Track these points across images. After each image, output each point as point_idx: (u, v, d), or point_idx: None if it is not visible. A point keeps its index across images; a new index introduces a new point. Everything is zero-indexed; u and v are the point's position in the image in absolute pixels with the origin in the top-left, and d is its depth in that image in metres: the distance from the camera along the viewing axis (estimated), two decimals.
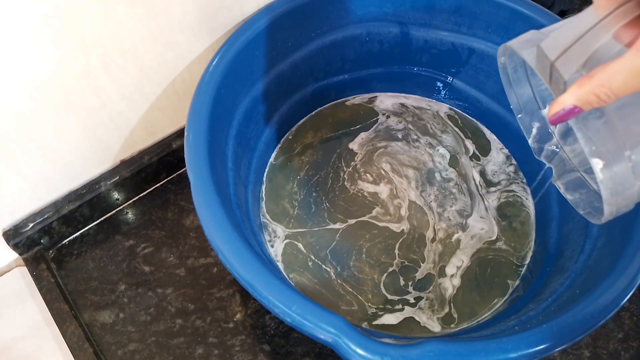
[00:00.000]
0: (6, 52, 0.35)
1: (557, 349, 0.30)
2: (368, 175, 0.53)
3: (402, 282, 0.46)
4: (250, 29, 0.44)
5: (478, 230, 0.49)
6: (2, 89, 0.37)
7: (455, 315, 0.44)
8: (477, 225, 0.49)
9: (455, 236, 0.49)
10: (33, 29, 0.35)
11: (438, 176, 0.53)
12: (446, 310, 0.45)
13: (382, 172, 0.53)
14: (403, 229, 0.49)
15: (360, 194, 0.51)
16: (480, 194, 0.51)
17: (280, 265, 0.47)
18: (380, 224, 0.49)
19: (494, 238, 0.49)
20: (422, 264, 0.47)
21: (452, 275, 0.46)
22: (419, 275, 0.46)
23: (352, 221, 0.49)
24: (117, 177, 0.49)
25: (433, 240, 0.48)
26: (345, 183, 0.52)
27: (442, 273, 0.46)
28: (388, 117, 0.57)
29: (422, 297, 0.45)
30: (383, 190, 0.51)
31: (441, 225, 0.49)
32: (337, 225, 0.49)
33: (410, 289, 0.45)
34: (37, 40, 0.36)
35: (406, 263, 0.47)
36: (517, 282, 0.46)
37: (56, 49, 0.37)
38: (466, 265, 0.47)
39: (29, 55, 0.36)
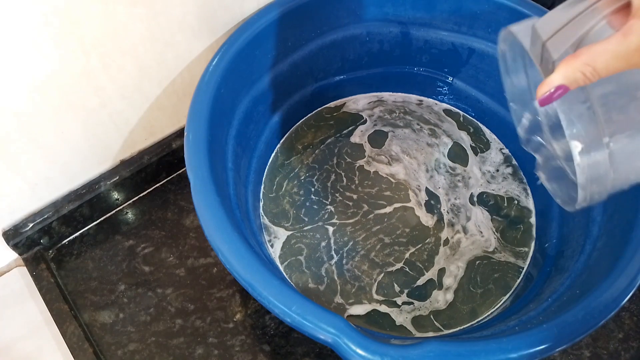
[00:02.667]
0: (6, 52, 0.35)
1: (557, 349, 0.30)
2: (382, 157, 0.54)
3: (397, 289, 0.46)
4: (250, 28, 0.44)
5: (480, 230, 0.49)
6: (2, 89, 0.36)
7: (441, 323, 0.44)
8: (479, 226, 0.49)
9: (457, 237, 0.49)
10: (33, 29, 0.35)
11: (444, 167, 0.53)
12: (430, 317, 0.45)
13: (393, 153, 0.54)
14: (424, 222, 0.49)
15: (367, 190, 0.51)
16: (483, 192, 0.51)
17: (280, 265, 0.47)
18: (390, 213, 0.49)
19: (494, 241, 0.49)
20: (426, 272, 0.47)
21: (447, 288, 0.46)
22: (420, 282, 0.46)
23: (353, 217, 0.49)
24: (117, 177, 0.49)
25: (446, 242, 0.48)
26: (348, 179, 0.52)
27: (440, 283, 0.46)
28: (383, 111, 0.57)
29: (412, 303, 0.45)
30: (399, 171, 0.52)
31: (449, 219, 0.49)
32: (338, 224, 0.49)
33: (405, 296, 0.45)
34: (37, 40, 0.36)
35: (406, 269, 0.47)
36: (518, 282, 0.46)
37: (56, 49, 0.37)
38: (465, 268, 0.47)
39: (29, 55, 0.36)
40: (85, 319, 0.45)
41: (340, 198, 0.51)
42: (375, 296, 0.45)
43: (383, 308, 0.45)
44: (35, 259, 0.47)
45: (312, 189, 0.51)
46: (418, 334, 0.43)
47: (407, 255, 0.47)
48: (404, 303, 0.45)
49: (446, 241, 0.48)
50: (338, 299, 0.45)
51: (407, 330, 0.43)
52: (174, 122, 0.51)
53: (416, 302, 0.45)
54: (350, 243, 0.48)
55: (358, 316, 0.44)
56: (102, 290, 0.47)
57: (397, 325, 0.44)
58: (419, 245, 0.48)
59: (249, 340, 0.44)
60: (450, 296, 0.45)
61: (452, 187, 0.52)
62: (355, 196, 0.51)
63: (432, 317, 0.44)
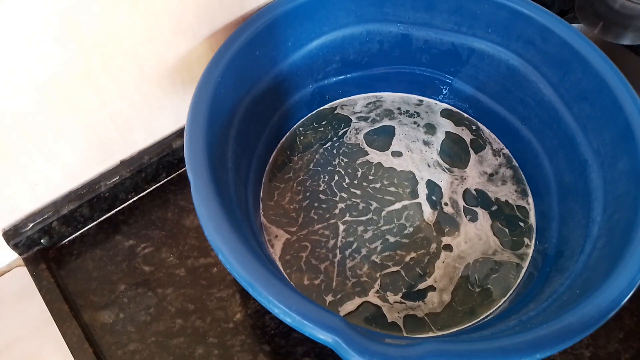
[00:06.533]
0: (6, 53, 0.35)
1: (557, 349, 0.30)
2: (382, 154, 0.54)
3: (394, 291, 0.46)
4: (250, 29, 0.44)
5: (480, 231, 0.49)
6: (2, 89, 0.36)
7: (439, 324, 0.44)
8: (479, 228, 0.49)
9: (457, 239, 0.49)
10: (33, 29, 0.35)
11: (442, 166, 0.53)
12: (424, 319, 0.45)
13: (393, 150, 0.54)
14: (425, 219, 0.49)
15: (372, 186, 0.51)
16: (482, 193, 0.51)
17: (280, 265, 0.47)
18: (395, 211, 0.49)
19: (493, 242, 0.49)
20: (426, 275, 0.47)
21: (443, 290, 0.46)
22: (419, 284, 0.46)
23: (353, 217, 0.49)
24: (117, 177, 0.49)
25: (447, 247, 0.48)
26: (351, 176, 0.52)
27: (437, 286, 0.46)
28: (382, 110, 0.57)
29: (405, 303, 0.45)
30: (401, 166, 0.53)
31: (450, 220, 0.49)
32: (338, 223, 0.49)
33: (400, 297, 0.45)
34: (37, 40, 0.36)
35: (405, 272, 0.47)
36: (518, 282, 0.46)
37: (56, 49, 0.37)
38: (464, 269, 0.47)
39: (29, 56, 0.36)
40: (85, 319, 0.45)
41: (346, 195, 0.51)
42: (372, 295, 0.45)
43: (376, 301, 0.44)
44: (35, 259, 0.47)
45: (311, 190, 0.51)
46: (414, 335, 0.43)
47: (407, 259, 0.47)
48: (396, 302, 0.45)
49: (447, 246, 0.48)
50: (330, 297, 0.45)
51: (401, 331, 0.43)
52: (174, 122, 0.51)
53: (412, 303, 0.45)
54: (356, 243, 0.48)
55: (350, 314, 0.44)
56: (102, 290, 0.47)
57: (389, 323, 0.44)
58: (422, 251, 0.48)
59: (249, 340, 0.44)
60: (447, 297, 0.45)
61: (452, 186, 0.52)
62: (359, 192, 0.51)
63: (427, 318, 0.44)
